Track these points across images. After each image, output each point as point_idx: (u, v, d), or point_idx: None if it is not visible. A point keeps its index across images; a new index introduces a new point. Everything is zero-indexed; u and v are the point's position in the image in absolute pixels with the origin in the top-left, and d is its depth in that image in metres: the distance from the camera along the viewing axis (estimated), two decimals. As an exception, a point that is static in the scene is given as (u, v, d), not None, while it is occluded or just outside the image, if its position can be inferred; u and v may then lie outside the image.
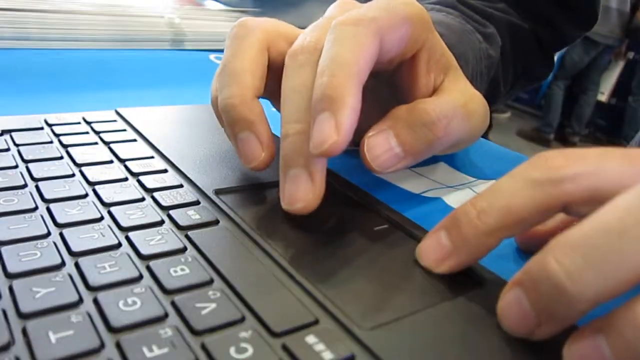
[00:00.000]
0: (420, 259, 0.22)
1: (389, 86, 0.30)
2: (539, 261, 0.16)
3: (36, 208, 0.23)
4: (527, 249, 0.27)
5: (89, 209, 0.23)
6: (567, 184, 0.19)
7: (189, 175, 0.27)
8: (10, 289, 0.17)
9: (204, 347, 0.16)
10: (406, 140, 0.26)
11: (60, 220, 0.22)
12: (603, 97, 3.44)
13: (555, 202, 0.19)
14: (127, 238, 0.21)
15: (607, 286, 0.15)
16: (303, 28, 0.31)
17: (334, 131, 0.22)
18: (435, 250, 0.22)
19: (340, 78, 0.22)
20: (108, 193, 0.25)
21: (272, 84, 0.30)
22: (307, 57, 0.25)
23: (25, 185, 0.24)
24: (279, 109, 0.34)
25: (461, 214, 0.21)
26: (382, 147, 0.25)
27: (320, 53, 0.24)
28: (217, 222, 0.24)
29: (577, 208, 0.19)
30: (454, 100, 0.28)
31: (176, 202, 0.25)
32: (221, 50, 0.29)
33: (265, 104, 0.30)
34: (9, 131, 0.30)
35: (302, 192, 0.24)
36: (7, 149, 0.28)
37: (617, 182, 0.18)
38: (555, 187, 0.19)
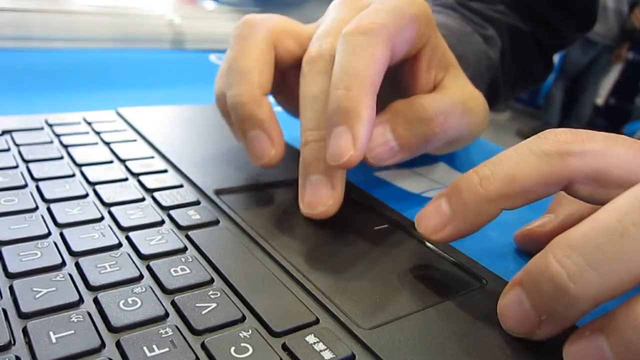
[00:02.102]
0: (418, 226, 0.22)
1: (389, 81, 0.30)
2: (540, 261, 0.16)
3: (37, 208, 0.23)
4: (527, 250, 0.27)
5: (89, 209, 0.23)
6: (574, 159, 0.19)
7: (189, 175, 0.27)
8: (11, 289, 0.18)
9: (204, 347, 0.16)
10: (402, 135, 0.26)
11: (60, 220, 0.22)
12: (599, 100, 3.44)
13: (560, 176, 0.19)
14: (128, 238, 0.21)
15: (608, 286, 0.15)
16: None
17: (351, 145, 0.22)
18: (434, 217, 0.21)
19: (355, 91, 0.23)
20: (108, 193, 0.25)
21: (278, 81, 0.30)
22: (325, 64, 0.25)
23: (25, 185, 0.24)
24: (282, 105, 0.34)
25: (463, 180, 0.20)
26: (377, 140, 0.26)
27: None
28: (217, 222, 0.24)
29: (579, 187, 0.19)
30: (453, 97, 0.28)
31: (176, 202, 0.25)
32: (221, 51, 0.29)
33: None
34: (10, 131, 0.30)
35: (322, 197, 0.24)
36: (8, 149, 0.28)
37: (622, 168, 0.18)
38: (562, 160, 0.19)
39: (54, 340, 0.16)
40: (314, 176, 0.24)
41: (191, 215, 0.24)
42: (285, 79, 0.31)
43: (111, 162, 0.28)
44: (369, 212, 0.27)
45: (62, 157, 0.28)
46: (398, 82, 0.30)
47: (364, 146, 0.23)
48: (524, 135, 3.41)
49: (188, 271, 0.20)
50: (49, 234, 0.21)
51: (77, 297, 0.17)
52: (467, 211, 0.20)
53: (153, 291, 0.18)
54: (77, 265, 0.19)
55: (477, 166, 0.20)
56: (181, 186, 0.26)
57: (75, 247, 0.20)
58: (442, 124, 0.27)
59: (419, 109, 0.27)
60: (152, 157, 0.29)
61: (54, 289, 0.18)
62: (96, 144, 0.30)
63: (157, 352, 0.16)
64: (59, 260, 0.19)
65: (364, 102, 0.23)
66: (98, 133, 0.32)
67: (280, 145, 0.26)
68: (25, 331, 0.16)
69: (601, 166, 0.19)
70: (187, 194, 0.26)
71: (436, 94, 0.28)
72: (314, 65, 0.26)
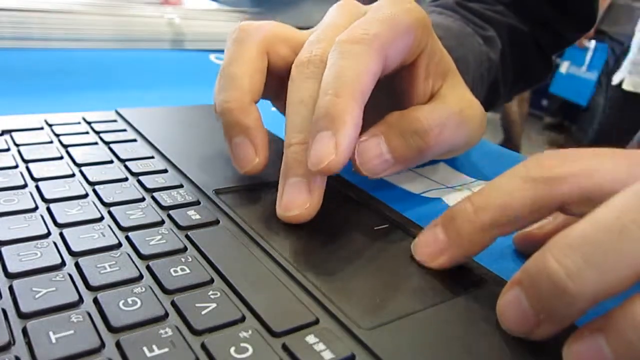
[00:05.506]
0: (415, 254, 0.22)
1: (386, 90, 0.30)
2: (538, 260, 0.16)
3: (36, 208, 0.23)
4: (526, 252, 0.27)
5: (89, 209, 0.23)
6: (562, 184, 0.19)
7: (189, 175, 0.27)
8: (11, 289, 0.18)
9: (204, 347, 0.16)
10: (397, 147, 0.26)
11: (60, 220, 0.22)
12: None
13: (550, 202, 0.19)
14: (127, 238, 0.21)
15: (606, 285, 0.15)
16: (302, 28, 0.31)
17: (332, 150, 0.22)
18: (430, 245, 0.22)
19: (343, 98, 0.23)
20: (108, 193, 0.25)
21: (272, 86, 0.30)
22: (314, 70, 0.25)
23: (25, 185, 0.24)
24: (279, 109, 0.34)
25: (458, 210, 0.21)
26: (372, 152, 0.26)
27: (326, 66, 0.25)
28: (217, 222, 0.24)
29: (572, 208, 0.19)
30: (449, 107, 0.28)
31: (176, 202, 0.25)
32: (221, 51, 0.29)
33: (266, 103, 0.30)
34: (9, 131, 0.30)
35: (299, 200, 0.24)
36: (7, 149, 0.28)
37: (612, 182, 0.18)
38: (549, 186, 0.19)
39: (53, 340, 0.15)
40: (294, 179, 0.24)
41: (191, 215, 0.24)
42: (282, 85, 0.31)
43: (111, 162, 0.28)
44: (369, 212, 0.27)
45: (62, 157, 0.28)
46: (395, 91, 0.30)
47: (345, 152, 0.23)
48: (524, 135, 3.40)
49: (188, 271, 0.20)
50: (49, 234, 0.21)
51: (76, 297, 0.17)
52: (462, 240, 0.21)
53: (153, 291, 0.18)
54: (77, 265, 0.19)
55: (471, 195, 0.21)
56: (181, 186, 0.26)
57: (75, 247, 0.20)
58: (437, 136, 0.27)
59: (414, 121, 0.27)
60: (152, 157, 0.29)
61: (53, 289, 0.18)
62: (96, 144, 0.30)
63: (157, 352, 0.16)
64: (59, 260, 0.19)
65: (351, 109, 0.23)
66: (98, 133, 0.32)
67: (264, 153, 0.27)
68: (25, 331, 0.16)
69: (591, 184, 0.19)
70: (187, 194, 0.26)
71: (432, 105, 0.28)
72: (303, 70, 0.26)
